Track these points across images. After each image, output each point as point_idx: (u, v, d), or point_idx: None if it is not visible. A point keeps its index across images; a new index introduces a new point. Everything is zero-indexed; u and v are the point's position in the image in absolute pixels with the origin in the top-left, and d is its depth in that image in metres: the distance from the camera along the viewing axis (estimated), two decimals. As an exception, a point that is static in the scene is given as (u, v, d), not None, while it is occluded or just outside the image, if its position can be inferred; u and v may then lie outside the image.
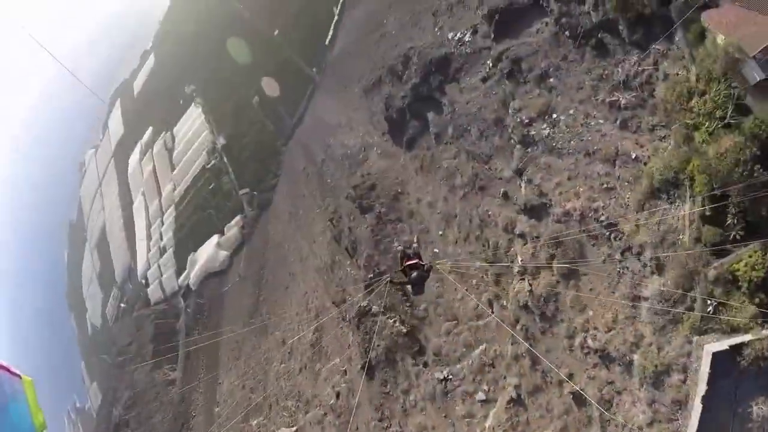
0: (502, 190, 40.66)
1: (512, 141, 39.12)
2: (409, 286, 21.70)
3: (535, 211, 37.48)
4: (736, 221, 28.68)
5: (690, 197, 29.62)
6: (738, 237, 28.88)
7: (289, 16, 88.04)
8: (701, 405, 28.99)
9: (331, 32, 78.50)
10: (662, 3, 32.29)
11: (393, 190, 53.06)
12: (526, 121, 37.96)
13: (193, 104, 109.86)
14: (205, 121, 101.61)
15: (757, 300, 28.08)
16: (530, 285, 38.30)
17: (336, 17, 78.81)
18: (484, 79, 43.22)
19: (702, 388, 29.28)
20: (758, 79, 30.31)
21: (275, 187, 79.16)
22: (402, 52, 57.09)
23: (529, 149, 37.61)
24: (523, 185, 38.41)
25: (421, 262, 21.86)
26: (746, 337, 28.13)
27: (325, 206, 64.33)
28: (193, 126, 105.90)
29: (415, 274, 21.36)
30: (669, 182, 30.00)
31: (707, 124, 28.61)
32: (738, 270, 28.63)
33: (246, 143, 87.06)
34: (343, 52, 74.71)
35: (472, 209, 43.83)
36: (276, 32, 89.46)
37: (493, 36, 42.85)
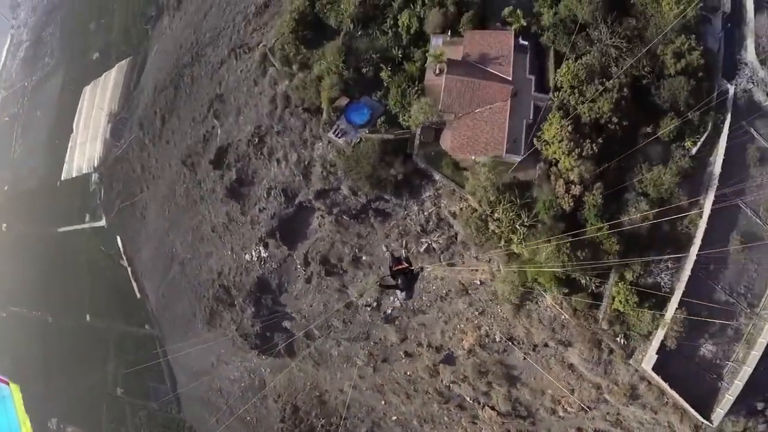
0: (401, 353, 40.72)
1: (375, 321, 39.34)
2: (398, 291, 22.29)
3: (447, 360, 38.17)
4: (588, 280, 32.08)
5: (545, 291, 31.92)
6: (596, 286, 32.54)
7: (86, 293, 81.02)
8: (675, 391, 33.24)
9: (135, 285, 73.23)
10: (405, 161, 33.99)
11: (313, 397, 50.83)
12: (374, 303, 38.29)
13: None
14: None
15: (646, 307, 32.00)
16: (492, 408, 39.44)
17: (129, 268, 73.71)
18: (308, 280, 42.69)
19: (665, 385, 33.47)
20: (519, 160, 33.01)
21: (206, 456, 72.33)
22: (211, 277, 55.00)
23: (396, 322, 38.04)
24: (416, 347, 38.84)
25: (410, 267, 21.88)
26: (659, 336, 32.51)
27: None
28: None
29: (399, 280, 21.49)
30: (524, 294, 31.96)
31: (515, 237, 30.70)
32: (618, 308, 32.14)
33: (143, 434, 78.65)
34: (159, 296, 69.83)
35: (390, 375, 43.51)
36: (88, 317, 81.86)
37: (286, 246, 42.51)
